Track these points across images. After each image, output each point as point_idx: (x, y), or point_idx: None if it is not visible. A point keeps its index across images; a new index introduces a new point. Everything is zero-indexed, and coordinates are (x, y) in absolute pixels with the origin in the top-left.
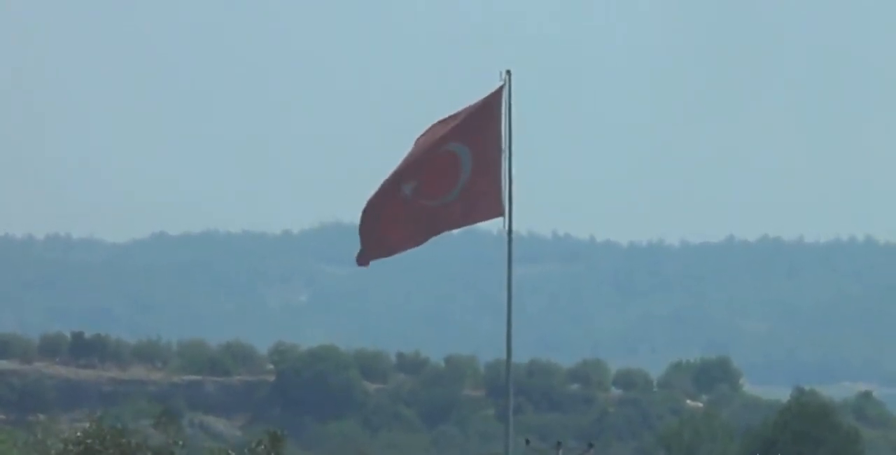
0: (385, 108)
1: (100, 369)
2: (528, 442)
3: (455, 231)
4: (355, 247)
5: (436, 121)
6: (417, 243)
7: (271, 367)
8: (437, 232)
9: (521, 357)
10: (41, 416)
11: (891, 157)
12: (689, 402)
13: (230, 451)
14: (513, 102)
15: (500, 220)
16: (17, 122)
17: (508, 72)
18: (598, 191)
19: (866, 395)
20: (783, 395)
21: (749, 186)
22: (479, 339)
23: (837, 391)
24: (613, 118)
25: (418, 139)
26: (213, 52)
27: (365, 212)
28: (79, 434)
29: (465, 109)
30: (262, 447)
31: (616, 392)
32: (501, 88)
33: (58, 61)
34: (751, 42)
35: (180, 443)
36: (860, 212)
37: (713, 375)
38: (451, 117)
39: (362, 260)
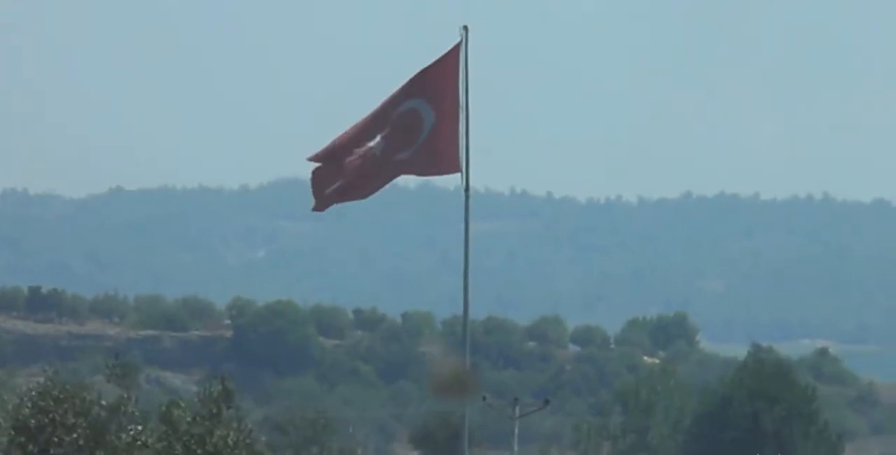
0: (343, 62)
1: (57, 324)
2: (484, 398)
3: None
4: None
5: (403, 81)
6: (374, 190)
7: (228, 322)
8: (392, 177)
9: (478, 314)
10: None
11: (848, 115)
12: (645, 358)
13: (181, 401)
14: (471, 58)
15: (457, 176)
16: None
17: (466, 28)
18: (555, 147)
19: (823, 353)
20: (740, 352)
21: (706, 142)
22: (437, 296)
23: (794, 348)
24: (572, 75)
25: (385, 101)
26: (170, 9)
27: (324, 161)
28: (33, 393)
29: (424, 69)
30: (213, 391)
31: (573, 349)
32: (459, 44)
33: (19, 24)
34: (714, 2)
35: (133, 398)
36: (818, 169)
37: (670, 332)
38: (411, 79)
39: (320, 206)
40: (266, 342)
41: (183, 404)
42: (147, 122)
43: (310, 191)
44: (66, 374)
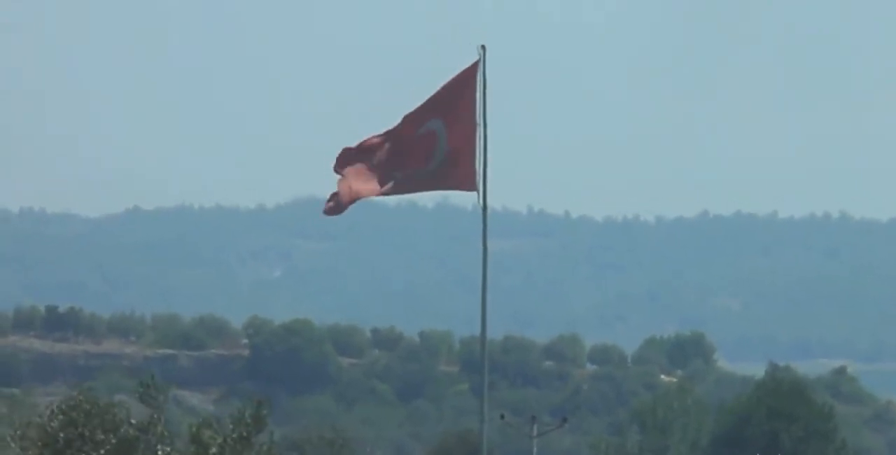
0: (360, 82)
1: (74, 343)
2: (502, 417)
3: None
4: (330, 222)
5: (419, 103)
6: (387, 194)
7: (245, 341)
8: (410, 191)
9: (495, 333)
10: (16, 391)
11: (866, 133)
12: (663, 377)
13: (212, 422)
14: (488, 77)
15: (474, 194)
16: None
17: (483, 47)
18: (572, 166)
19: (840, 372)
20: (758, 371)
21: (724, 161)
22: (454, 315)
23: (812, 367)
24: (589, 94)
25: (404, 119)
26: (189, 28)
27: (345, 177)
28: (63, 406)
29: (442, 87)
30: (244, 420)
31: (590, 368)
32: (476, 63)
33: (29, 38)
34: (728, 18)
35: (162, 418)
36: (835, 188)
37: (687, 351)
38: (431, 97)
39: (335, 211)
40: (283, 361)
41: (215, 425)
42: (164, 142)
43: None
44: (84, 393)
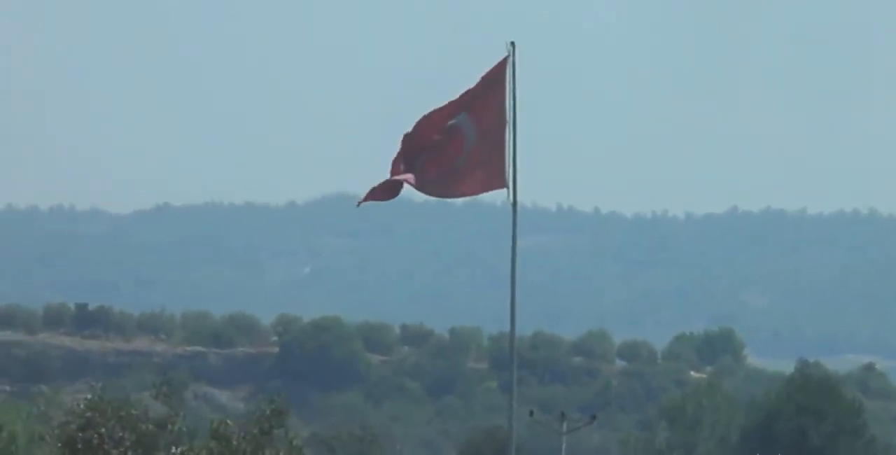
0: (390, 79)
1: (104, 340)
2: (531, 414)
3: (458, 203)
4: (359, 219)
5: (447, 100)
6: (419, 189)
7: (275, 338)
8: (440, 195)
9: (524, 329)
10: (44, 388)
11: (894, 129)
12: (692, 373)
13: (228, 421)
14: (517, 74)
15: (504, 191)
16: (22, 95)
17: (513, 43)
18: (602, 162)
19: (869, 368)
20: (787, 367)
21: (753, 158)
22: (484, 312)
23: (841, 364)
24: (618, 90)
25: (430, 116)
26: (214, 26)
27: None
28: (81, 406)
29: (475, 85)
30: (264, 415)
31: (620, 364)
32: (505, 60)
33: (57, 35)
34: (754, 13)
35: (181, 414)
36: (864, 184)
37: (717, 347)
38: (460, 96)
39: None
40: (312, 358)
41: (230, 423)
42: (194, 139)
43: (355, 206)
44: (114, 390)
